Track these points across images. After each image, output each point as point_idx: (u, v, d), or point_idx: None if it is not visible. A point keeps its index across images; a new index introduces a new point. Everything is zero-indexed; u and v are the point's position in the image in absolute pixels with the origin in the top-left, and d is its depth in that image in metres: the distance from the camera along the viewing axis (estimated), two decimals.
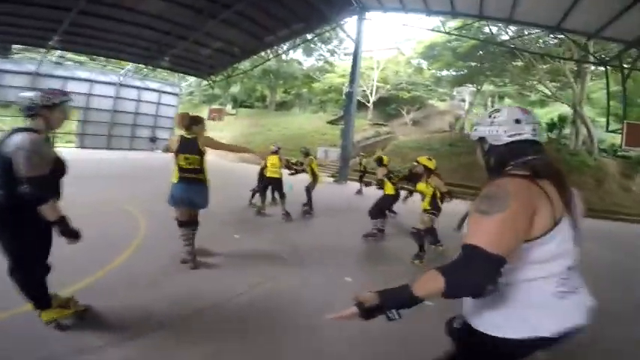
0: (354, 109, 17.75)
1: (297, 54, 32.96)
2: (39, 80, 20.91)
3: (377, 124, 29.02)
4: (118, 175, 11.61)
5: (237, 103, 37.92)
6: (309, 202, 6.98)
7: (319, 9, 15.11)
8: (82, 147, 22.74)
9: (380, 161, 5.95)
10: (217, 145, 3.66)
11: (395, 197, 5.73)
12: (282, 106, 37.85)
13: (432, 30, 16.63)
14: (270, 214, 6.80)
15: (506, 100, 29.23)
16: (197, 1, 13.48)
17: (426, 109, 31.93)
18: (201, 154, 3.43)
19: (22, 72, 20.48)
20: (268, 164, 6.49)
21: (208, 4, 13.63)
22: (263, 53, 21.29)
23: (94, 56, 24.06)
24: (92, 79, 23.51)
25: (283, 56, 27.62)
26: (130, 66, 24.10)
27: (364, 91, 29.46)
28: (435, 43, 23.45)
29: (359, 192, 11.60)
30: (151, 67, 22.88)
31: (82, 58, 26.04)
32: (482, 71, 23.33)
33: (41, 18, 13.35)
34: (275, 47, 20.44)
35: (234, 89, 37.10)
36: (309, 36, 21.44)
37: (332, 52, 34.07)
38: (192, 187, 3.41)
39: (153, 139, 16.28)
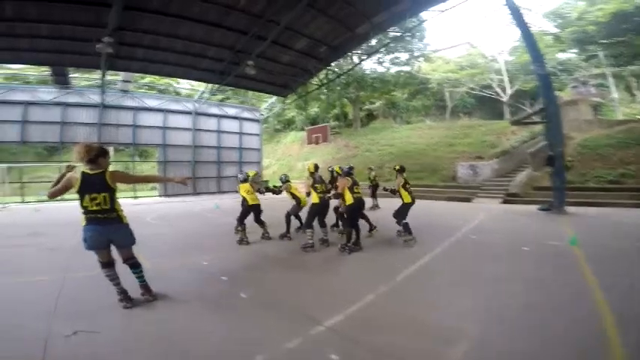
0: (553, 96, 10.52)
1: (369, 62, 27.24)
2: (107, 113, 17.68)
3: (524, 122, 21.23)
4: None
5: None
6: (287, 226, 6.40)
7: None
8: (166, 195, 18.71)
9: (402, 170, 6.03)
10: (131, 179, 3.56)
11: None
12: (366, 120, 31.85)
13: None
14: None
15: None
16: None
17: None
18: (111, 190, 2.94)
19: (88, 104, 17.50)
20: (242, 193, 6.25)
21: None
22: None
23: (161, 77, 20.36)
24: (165, 109, 19.86)
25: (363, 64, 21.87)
26: (204, 87, 20.08)
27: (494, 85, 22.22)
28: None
29: (375, 207, 10.99)
30: (225, 86, 18.41)
31: (148, 79, 22.84)
32: None
33: (93, 38, 10.60)
34: (367, 43, 15.35)
35: (312, 109, 32.30)
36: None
37: (421, 52, 28.00)
38: (106, 227, 2.96)
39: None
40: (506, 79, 25.31)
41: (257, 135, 23.99)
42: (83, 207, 2.91)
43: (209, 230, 7.33)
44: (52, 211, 12.85)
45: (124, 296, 3.15)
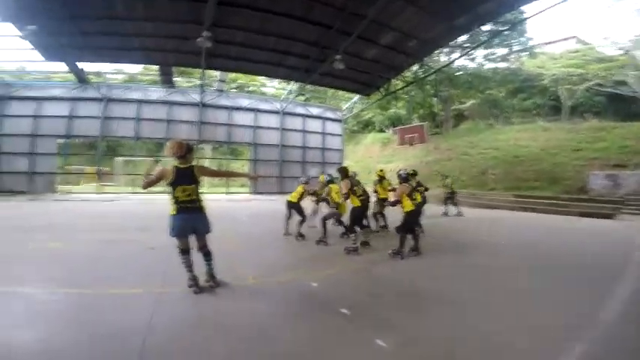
0: None
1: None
2: (206, 112, 18.52)
3: None
4: None
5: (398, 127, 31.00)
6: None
7: None
8: (256, 192, 18.94)
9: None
10: (213, 173, 4.04)
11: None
12: (454, 122, 28.83)
13: None
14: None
15: None
16: None
17: None
18: (198, 183, 3.31)
19: (190, 103, 18.62)
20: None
21: None
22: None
23: (250, 78, 20.77)
24: (256, 108, 20.14)
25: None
26: (291, 86, 19.87)
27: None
28: None
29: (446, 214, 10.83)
30: (308, 86, 17.82)
31: (243, 79, 23.50)
32: None
33: (192, 36, 10.91)
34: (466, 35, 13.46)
35: (393, 110, 30.47)
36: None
37: (523, 46, 24.22)
38: (192, 216, 3.29)
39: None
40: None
41: (339, 135, 23.18)
42: (175, 197, 3.20)
43: (307, 236, 6.34)
44: (158, 204, 13.46)
45: (195, 282, 3.36)
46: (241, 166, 24.82)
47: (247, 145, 20.46)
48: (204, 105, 18.69)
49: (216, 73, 19.69)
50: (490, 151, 20.10)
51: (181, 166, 3.24)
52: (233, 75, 21.88)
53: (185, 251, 3.34)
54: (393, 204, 5.07)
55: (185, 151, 3.24)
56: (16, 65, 18.55)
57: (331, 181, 6.11)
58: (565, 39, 27.47)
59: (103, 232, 6.34)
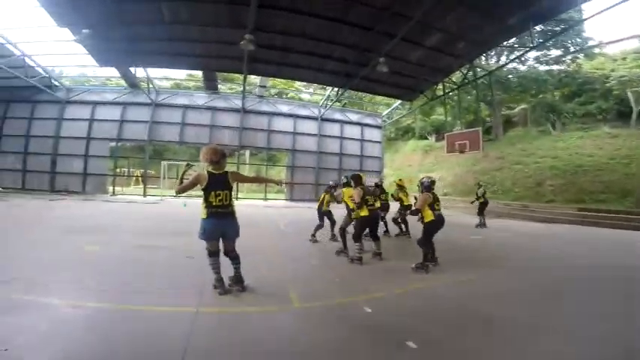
0: None
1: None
2: (247, 117, 18.73)
3: None
4: None
5: (441, 134, 29.52)
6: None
7: None
8: (292, 199, 18.76)
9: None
10: (246, 179, 4.21)
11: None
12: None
13: None
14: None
15: None
16: None
17: None
18: (231, 188, 3.37)
19: (232, 109, 18.96)
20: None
21: None
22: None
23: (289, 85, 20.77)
24: (295, 114, 20.06)
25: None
26: (329, 92, 19.52)
27: None
28: None
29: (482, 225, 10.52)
30: (350, 89, 17.44)
31: (281, 86, 23.53)
32: None
33: (234, 41, 10.92)
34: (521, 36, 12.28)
35: (433, 116, 29.11)
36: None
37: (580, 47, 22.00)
38: (223, 221, 3.32)
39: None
40: None
41: (378, 142, 22.35)
42: (208, 202, 3.24)
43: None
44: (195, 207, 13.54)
45: (221, 284, 3.39)
46: (278, 172, 24.78)
47: (285, 152, 20.33)
48: (245, 111, 18.87)
49: (257, 80, 19.96)
50: (547, 160, 18.31)
51: (215, 171, 3.28)
52: (271, 82, 22.04)
53: (214, 253, 3.38)
54: (414, 213, 4.91)
55: (220, 156, 3.30)
56: (78, 71, 20.04)
57: (347, 184, 5.66)
58: (627, 38, 24.61)
59: (142, 236, 6.20)
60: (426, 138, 30.30)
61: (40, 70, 15.60)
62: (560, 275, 4.86)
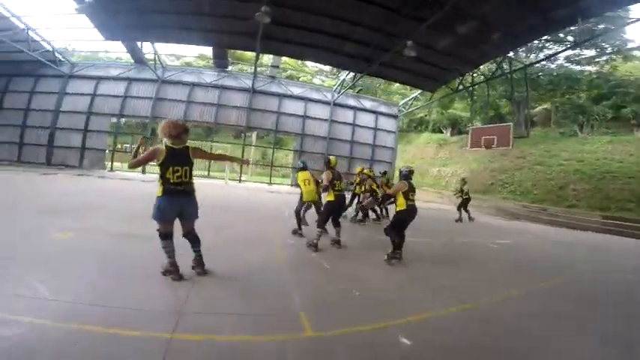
0: None
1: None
2: (256, 98, 17.76)
3: None
4: None
5: (456, 128, 28.28)
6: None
7: None
8: (296, 184, 17.86)
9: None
10: (207, 156, 3.79)
11: None
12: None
13: None
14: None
15: None
16: None
17: None
18: (191, 164, 3.13)
19: (241, 88, 18.00)
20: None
21: None
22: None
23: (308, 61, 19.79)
24: (306, 97, 18.99)
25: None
26: (344, 76, 18.37)
27: None
28: None
29: (471, 219, 10.62)
30: (368, 75, 16.20)
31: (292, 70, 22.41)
32: None
33: (248, 16, 10.29)
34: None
35: (452, 110, 27.79)
36: None
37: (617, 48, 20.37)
38: (180, 199, 3.09)
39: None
40: None
41: (393, 132, 21.18)
42: (165, 178, 3.00)
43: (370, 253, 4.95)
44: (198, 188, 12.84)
45: (175, 268, 3.13)
46: (284, 155, 23.87)
47: (294, 136, 19.36)
48: (255, 91, 17.85)
49: (269, 62, 18.82)
50: (573, 163, 17.15)
51: (176, 146, 3.05)
52: (283, 64, 20.88)
53: (167, 235, 3.10)
54: (385, 198, 4.97)
55: (180, 130, 3.08)
56: (88, 48, 19.13)
57: (303, 168, 5.75)
58: None
59: (129, 222, 5.37)
60: (441, 131, 29.04)
61: (45, 45, 14.78)
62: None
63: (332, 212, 5.11)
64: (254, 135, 20.95)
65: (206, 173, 18.73)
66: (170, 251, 3.13)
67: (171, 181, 2.98)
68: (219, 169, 19.19)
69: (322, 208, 5.19)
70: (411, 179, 4.73)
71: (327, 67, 31.01)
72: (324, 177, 5.00)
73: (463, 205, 10.50)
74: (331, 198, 5.02)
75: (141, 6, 10.86)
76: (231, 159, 3.93)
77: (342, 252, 4.98)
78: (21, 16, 12.59)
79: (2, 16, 11.88)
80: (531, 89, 22.34)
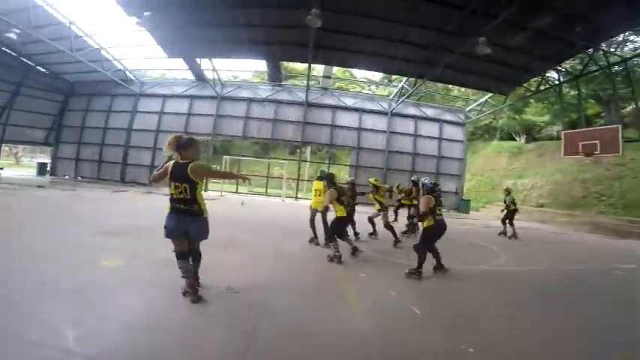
0: None
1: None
2: (311, 111, 17.48)
3: None
4: None
5: (530, 134, 25.18)
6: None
7: None
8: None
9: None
10: (210, 174, 3.65)
11: None
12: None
13: None
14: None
15: None
16: None
17: None
18: (192, 182, 2.90)
19: (295, 102, 17.99)
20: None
21: None
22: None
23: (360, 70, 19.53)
24: (361, 108, 18.25)
25: None
26: (403, 82, 17.16)
27: None
28: None
29: (510, 235, 9.26)
30: (429, 80, 14.98)
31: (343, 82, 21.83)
32: None
33: (300, 24, 9.97)
34: None
35: (527, 115, 24.80)
36: None
37: None
38: (184, 218, 2.98)
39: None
40: None
41: (460, 142, 19.25)
42: (170, 194, 2.99)
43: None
44: (256, 206, 12.62)
45: (193, 290, 3.02)
46: (338, 171, 23.13)
47: (349, 150, 18.58)
48: (309, 104, 17.61)
49: (320, 73, 18.54)
50: None
51: (180, 161, 2.96)
52: (332, 76, 20.49)
53: (181, 255, 3.03)
54: (421, 218, 4.44)
55: (179, 144, 2.96)
56: (152, 65, 20.83)
57: (320, 178, 5.91)
58: None
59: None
60: (512, 139, 26.05)
61: (117, 64, 16.12)
62: None
63: (344, 227, 5.13)
64: (308, 150, 20.64)
65: (264, 190, 18.77)
66: (187, 272, 3.03)
67: (174, 197, 2.93)
68: (277, 185, 19.07)
69: (332, 224, 5.05)
70: (435, 192, 4.46)
71: (377, 77, 30.18)
72: (327, 196, 5.10)
73: (508, 217, 9.52)
74: (342, 214, 5.02)
75: (198, 19, 11.23)
76: (235, 177, 3.66)
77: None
78: (93, 35, 13.56)
79: (76, 35, 12.86)
80: (626, 86, 19.03)
